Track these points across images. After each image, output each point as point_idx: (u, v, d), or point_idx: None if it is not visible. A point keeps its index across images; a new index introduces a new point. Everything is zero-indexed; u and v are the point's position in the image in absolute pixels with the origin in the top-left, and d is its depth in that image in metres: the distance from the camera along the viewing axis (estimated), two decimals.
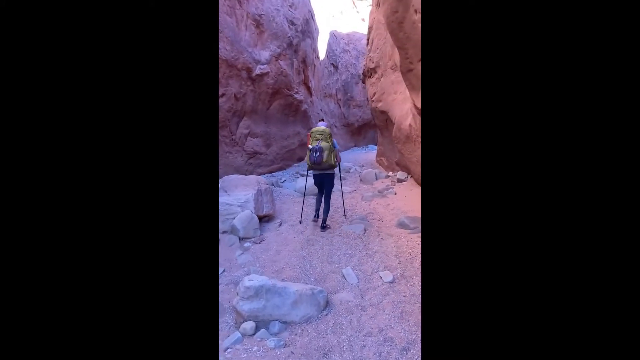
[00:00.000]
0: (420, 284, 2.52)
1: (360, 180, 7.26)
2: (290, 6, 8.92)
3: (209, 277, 0.93)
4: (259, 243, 3.63)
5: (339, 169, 4.30)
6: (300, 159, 10.79)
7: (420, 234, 3.58)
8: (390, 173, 7.52)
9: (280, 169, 9.09)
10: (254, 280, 2.18)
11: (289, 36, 8.62)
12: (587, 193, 0.79)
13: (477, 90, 0.87)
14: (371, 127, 15.33)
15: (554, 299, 0.80)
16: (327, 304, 2.33)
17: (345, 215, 4.51)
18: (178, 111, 0.91)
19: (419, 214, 4.18)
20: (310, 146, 3.74)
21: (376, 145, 12.87)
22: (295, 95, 9.25)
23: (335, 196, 4.54)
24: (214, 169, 1.00)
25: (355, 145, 15.88)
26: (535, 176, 0.82)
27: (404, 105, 5.89)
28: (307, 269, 2.99)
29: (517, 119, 0.84)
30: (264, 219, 4.23)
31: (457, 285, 0.87)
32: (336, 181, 4.18)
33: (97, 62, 0.85)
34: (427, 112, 0.95)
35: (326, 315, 2.24)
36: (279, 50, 8.24)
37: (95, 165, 0.85)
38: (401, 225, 3.93)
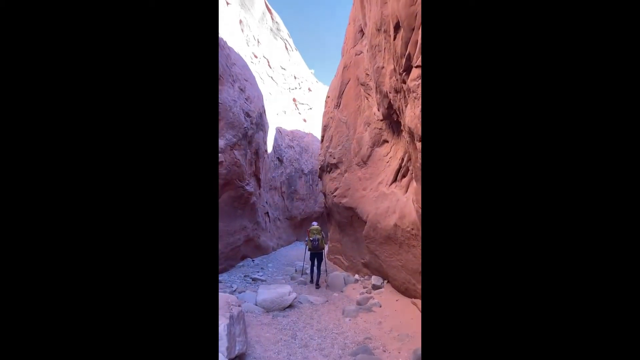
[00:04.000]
0: None
1: (327, 285, 6.26)
2: (246, 99, 8.81)
3: (208, 279, 0.93)
4: None
5: (326, 248, 6.38)
6: (244, 257, 9.40)
7: None
8: (357, 276, 6.72)
9: (224, 270, 7.62)
10: None
11: (245, 127, 8.26)
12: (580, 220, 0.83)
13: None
14: (314, 220, 14.86)
15: None
16: None
17: (326, 280, 6.52)
18: (178, 110, 0.91)
19: None
20: (311, 238, 6.33)
21: None
22: (247, 187, 8.47)
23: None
24: (214, 171, 0.99)
25: (297, 239, 14.97)
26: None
27: (379, 203, 5.53)
28: None
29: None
30: None
31: None
32: (324, 257, 6.75)
33: (96, 62, 0.84)
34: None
35: None
36: (235, 139, 7.70)
37: (108, 174, 0.87)
38: None
